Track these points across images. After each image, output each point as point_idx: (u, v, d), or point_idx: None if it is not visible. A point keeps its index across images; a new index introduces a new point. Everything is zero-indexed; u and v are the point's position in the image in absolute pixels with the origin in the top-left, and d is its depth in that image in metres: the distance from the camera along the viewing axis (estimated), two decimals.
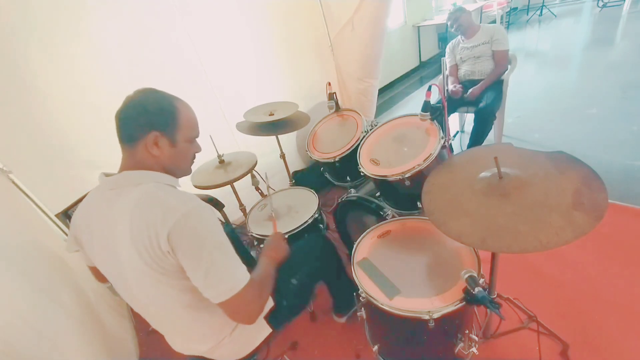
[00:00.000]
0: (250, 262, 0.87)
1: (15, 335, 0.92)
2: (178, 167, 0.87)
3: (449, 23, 2.46)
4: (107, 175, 0.84)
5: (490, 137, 2.50)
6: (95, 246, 0.86)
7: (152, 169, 0.82)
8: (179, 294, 0.82)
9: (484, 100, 2.25)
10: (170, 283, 0.80)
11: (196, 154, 0.93)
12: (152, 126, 0.79)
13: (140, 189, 0.78)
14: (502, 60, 2.31)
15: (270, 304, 1.05)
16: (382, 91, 4.70)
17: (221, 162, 1.76)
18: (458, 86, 2.40)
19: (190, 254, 0.74)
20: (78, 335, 1.20)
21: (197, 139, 0.91)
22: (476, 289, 0.88)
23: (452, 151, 1.36)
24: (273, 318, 1.05)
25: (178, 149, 0.84)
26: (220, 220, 1.88)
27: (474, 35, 2.40)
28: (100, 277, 0.98)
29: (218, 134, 1.75)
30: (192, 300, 0.84)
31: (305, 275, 1.19)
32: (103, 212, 0.82)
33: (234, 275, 0.78)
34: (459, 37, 2.52)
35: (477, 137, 2.31)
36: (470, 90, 2.32)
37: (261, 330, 1.04)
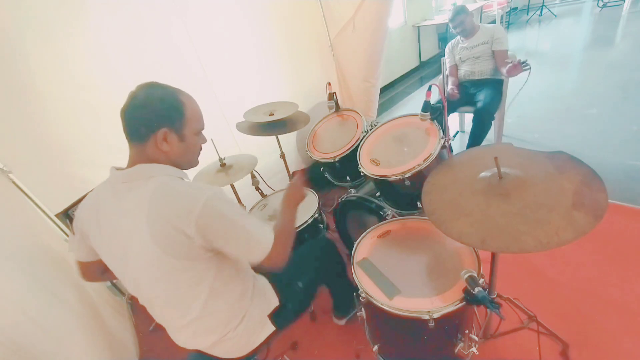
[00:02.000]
0: None
1: (23, 334, 0.93)
2: (186, 161, 0.90)
3: (451, 24, 2.43)
4: (118, 169, 0.85)
5: (490, 137, 2.50)
6: (103, 239, 0.87)
7: (162, 163, 0.84)
8: (197, 280, 0.85)
9: (482, 100, 2.24)
10: (193, 267, 0.83)
11: (202, 146, 0.95)
12: (160, 123, 0.80)
13: (154, 181, 0.79)
14: (502, 60, 2.28)
15: (275, 303, 1.06)
16: (382, 91, 4.69)
17: (222, 165, 1.76)
18: (455, 90, 2.38)
19: (225, 232, 0.80)
20: (82, 333, 1.21)
21: (202, 131, 0.93)
22: (476, 289, 0.88)
23: (452, 151, 1.36)
24: (277, 317, 1.06)
25: (187, 142, 0.86)
26: None
27: (473, 35, 2.39)
28: (87, 274, 0.99)
29: (218, 134, 1.74)
30: (204, 290, 0.87)
31: (311, 277, 1.20)
32: (113, 205, 0.83)
33: (265, 234, 0.87)
34: (458, 37, 2.52)
35: (476, 137, 2.30)
36: (508, 69, 2.05)
37: (264, 327, 1.04)
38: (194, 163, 0.93)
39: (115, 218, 0.82)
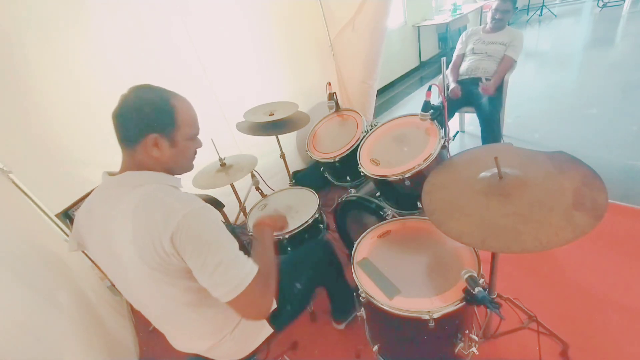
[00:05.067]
0: None
1: (11, 340, 0.91)
2: (179, 166, 0.87)
3: (496, 5, 2.28)
4: (110, 174, 0.83)
5: None
6: (96, 245, 0.86)
7: (153, 170, 0.81)
8: (182, 293, 0.82)
9: (484, 105, 2.23)
10: (173, 283, 0.79)
11: (197, 150, 0.92)
12: (150, 128, 0.77)
13: (142, 190, 0.77)
14: (506, 66, 2.28)
15: (273, 306, 1.05)
16: (382, 91, 4.70)
17: (222, 165, 1.76)
18: (458, 88, 2.36)
19: (196, 255, 0.73)
20: (77, 337, 1.19)
21: (197, 135, 0.90)
22: (476, 289, 0.88)
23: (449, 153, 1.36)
24: (275, 319, 1.05)
25: (179, 148, 0.83)
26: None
27: (497, 32, 2.34)
28: None
29: (218, 134, 1.75)
30: (195, 299, 0.84)
31: (308, 279, 1.19)
32: (105, 212, 0.81)
33: (240, 273, 0.76)
34: (481, 27, 2.45)
35: (490, 141, 2.29)
36: (483, 86, 2.17)
37: (262, 329, 1.04)
38: (188, 168, 0.90)
39: (106, 226, 0.80)
